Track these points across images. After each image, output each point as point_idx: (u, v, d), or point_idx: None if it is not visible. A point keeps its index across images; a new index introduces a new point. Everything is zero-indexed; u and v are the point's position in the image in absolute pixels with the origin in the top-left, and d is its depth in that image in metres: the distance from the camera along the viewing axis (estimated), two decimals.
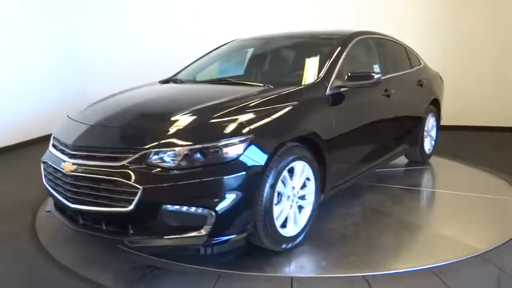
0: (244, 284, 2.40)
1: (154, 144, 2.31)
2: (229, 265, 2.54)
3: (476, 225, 3.18)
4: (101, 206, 2.35)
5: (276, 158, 2.49)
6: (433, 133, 5.02)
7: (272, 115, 2.59)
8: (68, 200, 2.48)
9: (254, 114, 2.53)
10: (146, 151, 2.29)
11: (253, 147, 2.37)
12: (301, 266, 2.58)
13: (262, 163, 2.39)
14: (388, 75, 3.89)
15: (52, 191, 2.66)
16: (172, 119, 2.47)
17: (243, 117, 2.47)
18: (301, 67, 3.39)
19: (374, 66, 3.83)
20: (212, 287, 2.33)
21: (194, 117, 2.49)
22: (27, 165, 3.97)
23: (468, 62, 6.68)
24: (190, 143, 2.30)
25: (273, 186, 2.48)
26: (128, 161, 2.29)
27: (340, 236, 2.98)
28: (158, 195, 2.25)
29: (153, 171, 2.26)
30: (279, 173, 2.51)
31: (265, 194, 2.44)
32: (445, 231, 3.04)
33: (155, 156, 2.28)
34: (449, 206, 3.60)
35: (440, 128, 5.15)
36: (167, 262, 2.58)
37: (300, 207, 2.82)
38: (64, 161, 2.50)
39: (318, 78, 3.09)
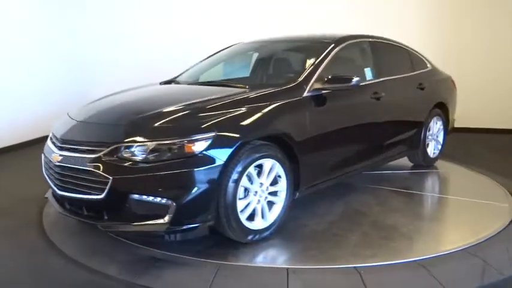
0: (242, 273, 2.56)
1: (125, 139, 2.57)
2: (226, 255, 2.72)
3: (457, 225, 3.21)
4: (81, 194, 2.65)
5: (240, 155, 2.67)
6: (440, 137, 4.97)
7: (238, 115, 2.77)
8: (56, 187, 2.81)
9: (221, 113, 2.73)
10: (118, 145, 2.55)
11: (215, 145, 2.57)
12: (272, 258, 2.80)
13: (224, 159, 2.58)
14: (381, 79, 3.96)
15: (47, 179, 3.00)
16: (145, 116, 2.73)
17: (210, 117, 2.67)
18: (285, 70, 3.55)
19: (365, 69, 3.90)
20: (213, 277, 2.47)
21: (164, 115, 2.72)
22: (32, 163, 4.13)
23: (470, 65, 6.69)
24: (157, 139, 2.54)
25: (236, 181, 2.66)
26: (102, 153, 2.57)
27: (309, 231, 3.12)
28: (126, 186, 2.51)
29: (123, 163, 2.51)
30: (244, 169, 2.70)
31: (228, 188, 2.63)
32: (414, 232, 3.11)
33: (126, 150, 2.53)
34: (433, 208, 3.62)
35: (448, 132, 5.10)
36: (169, 254, 2.73)
37: (271, 203, 2.99)
38: (54, 153, 2.83)
39: (296, 81, 3.23)
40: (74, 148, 2.72)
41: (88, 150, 2.64)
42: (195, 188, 2.51)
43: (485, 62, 6.73)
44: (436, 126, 4.86)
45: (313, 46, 3.71)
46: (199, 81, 3.80)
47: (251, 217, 2.86)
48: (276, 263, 2.72)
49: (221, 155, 2.58)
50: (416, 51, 4.84)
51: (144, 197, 2.49)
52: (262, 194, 2.89)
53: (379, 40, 4.25)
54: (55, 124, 3.23)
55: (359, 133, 3.69)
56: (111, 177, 2.49)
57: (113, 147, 2.55)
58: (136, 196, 2.50)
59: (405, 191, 4.01)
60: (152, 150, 2.51)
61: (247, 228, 2.80)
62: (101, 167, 2.53)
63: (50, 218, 3.44)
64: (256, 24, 6.98)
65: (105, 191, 2.51)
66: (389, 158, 4.26)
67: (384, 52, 4.26)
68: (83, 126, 2.86)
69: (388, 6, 6.82)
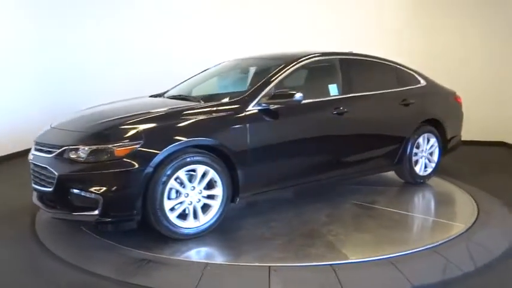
0: (229, 271, 2.82)
1: (73, 142, 3.09)
2: (213, 256, 3.09)
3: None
4: (41, 186, 3.23)
5: (170, 160, 3.06)
6: (434, 155, 4.87)
7: (171, 125, 3.17)
8: (32, 181, 3.42)
9: (156, 123, 3.15)
10: (67, 147, 3.08)
11: (142, 150, 2.98)
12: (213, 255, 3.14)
13: (150, 163, 2.98)
14: (347, 95, 4.08)
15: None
16: (94, 124, 3.22)
17: (143, 126, 3.10)
18: (242, 86, 3.86)
19: (330, 86, 4.06)
20: (200, 275, 2.70)
21: (108, 123, 3.20)
22: (23, 172, 4.22)
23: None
24: (96, 144, 3.02)
25: (164, 183, 3.05)
26: (55, 154, 3.11)
27: (249, 234, 3.41)
28: (67, 181, 3.02)
29: (67, 163, 3.04)
30: (172, 173, 3.07)
31: (156, 189, 3.02)
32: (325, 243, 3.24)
33: (72, 152, 3.05)
34: (385, 222, 3.65)
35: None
36: (159, 256, 2.97)
37: (207, 205, 3.31)
38: (31, 152, 3.45)
39: (241, 96, 3.54)
40: (40, 149, 3.31)
41: (48, 151, 3.21)
42: (120, 187, 2.95)
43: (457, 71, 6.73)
44: (427, 144, 4.78)
45: (274, 63, 3.96)
46: (174, 94, 4.24)
47: (185, 216, 3.22)
48: (263, 261, 2.93)
49: (146, 160, 2.98)
50: (407, 68, 4.84)
51: (80, 191, 2.98)
52: (194, 196, 3.23)
53: (353, 57, 4.37)
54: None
55: (312, 147, 3.86)
56: (57, 174, 3.03)
57: (63, 149, 3.09)
58: (75, 190, 3.00)
59: (368, 205, 4.08)
60: (91, 153, 2.99)
61: (177, 226, 3.16)
62: (52, 165, 3.09)
63: (42, 224, 3.64)
64: (248, 41, 7.27)
65: (53, 185, 3.05)
66: (358, 172, 4.33)
67: (358, 69, 4.36)
68: (52, 131, 3.45)
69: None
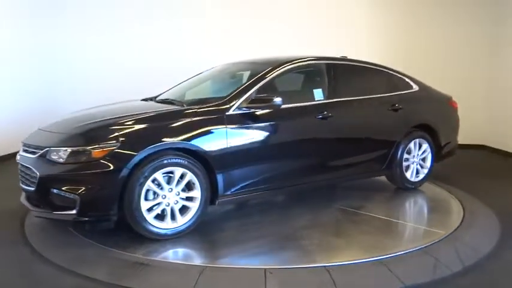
0: (225, 275, 2.83)
1: (55, 144, 3.20)
2: (209, 259, 3.11)
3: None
4: (26, 185, 3.35)
5: (146, 162, 3.14)
6: (427, 161, 4.82)
7: (149, 128, 3.26)
8: (20, 181, 3.55)
9: (134, 126, 3.24)
10: (48, 149, 3.19)
11: (118, 152, 3.07)
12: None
13: (126, 165, 3.07)
14: (333, 100, 4.10)
15: None
16: (76, 126, 3.33)
17: (121, 128, 3.19)
18: (227, 91, 3.90)
19: (315, 90, 4.08)
20: (197, 278, 2.72)
21: (89, 126, 3.30)
22: (10, 176, 4.26)
23: None
24: (75, 146, 3.12)
25: (141, 185, 3.13)
26: (38, 155, 3.23)
27: (224, 235, 3.51)
28: (48, 181, 3.13)
29: (49, 163, 3.15)
30: (149, 175, 3.15)
31: (133, 190, 3.10)
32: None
33: (53, 153, 3.16)
34: (365, 228, 3.65)
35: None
36: (155, 260, 2.99)
37: (186, 207, 3.38)
38: (19, 153, 3.59)
39: (222, 101, 3.60)
40: (26, 150, 3.43)
41: (32, 151, 3.33)
42: (97, 187, 3.05)
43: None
44: (418, 149, 4.75)
45: (261, 68, 4.00)
46: (162, 98, 4.32)
47: (163, 217, 3.29)
48: (256, 264, 3.01)
49: (123, 162, 3.07)
50: (399, 73, 4.82)
51: (59, 191, 3.09)
52: (172, 198, 3.30)
53: (341, 62, 4.39)
54: None
55: (295, 151, 3.89)
56: (38, 174, 3.14)
57: (45, 150, 3.20)
58: (55, 190, 3.10)
59: (351, 209, 4.08)
60: (70, 155, 3.10)
61: (154, 226, 3.23)
62: (35, 165, 3.20)
63: (31, 229, 3.60)
64: (250, 42, 7.28)
65: (35, 184, 3.16)
66: (345, 177, 4.33)
67: (347, 74, 4.37)
68: (38, 133, 3.57)
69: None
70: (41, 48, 7.32)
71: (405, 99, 4.65)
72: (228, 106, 3.56)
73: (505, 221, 3.83)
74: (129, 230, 3.23)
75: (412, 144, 4.68)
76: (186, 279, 2.74)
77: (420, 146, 4.78)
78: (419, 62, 6.95)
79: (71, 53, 7.51)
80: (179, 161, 3.27)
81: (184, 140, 3.31)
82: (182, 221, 3.35)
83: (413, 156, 4.73)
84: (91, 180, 3.05)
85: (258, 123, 3.63)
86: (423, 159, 4.82)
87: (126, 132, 3.18)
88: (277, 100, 3.52)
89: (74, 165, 3.08)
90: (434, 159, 4.87)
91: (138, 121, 3.31)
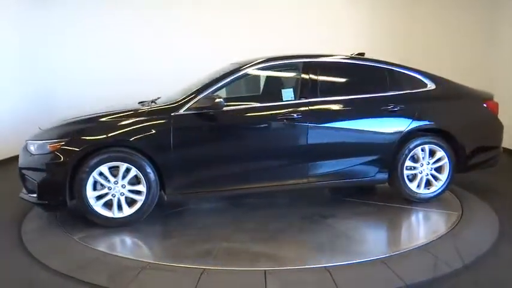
0: (225, 277, 2.86)
1: (34, 137, 3.84)
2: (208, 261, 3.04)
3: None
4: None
5: (93, 156, 3.54)
6: (443, 172, 4.14)
7: (100, 126, 3.65)
8: None
9: (85, 124, 3.70)
10: (29, 141, 3.84)
11: (67, 147, 3.54)
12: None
13: (72, 158, 3.51)
14: (305, 100, 3.86)
15: None
16: (54, 125, 3.90)
17: (75, 126, 3.67)
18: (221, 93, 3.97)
19: (284, 90, 3.92)
20: (196, 281, 2.75)
21: (56, 125, 3.81)
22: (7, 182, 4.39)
23: None
24: (43, 139, 3.70)
25: (87, 176, 3.53)
26: (23, 147, 3.91)
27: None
28: (23, 169, 3.77)
29: (27, 154, 3.79)
30: (93, 167, 3.54)
31: (78, 180, 3.52)
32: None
33: (30, 146, 3.80)
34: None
35: None
36: (155, 263, 3.03)
37: (133, 200, 3.68)
38: None
39: (176, 100, 3.77)
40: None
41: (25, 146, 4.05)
42: (48, 175, 3.56)
43: None
44: (429, 157, 4.11)
45: (233, 69, 4.02)
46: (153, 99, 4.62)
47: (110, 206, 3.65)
48: (256, 266, 2.98)
49: (69, 156, 3.52)
50: (412, 69, 4.22)
51: (29, 177, 3.71)
52: (118, 189, 3.63)
53: (323, 60, 4.09)
54: None
55: (249, 153, 3.81)
56: (20, 162, 3.83)
57: (27, 142, 3.87)
58: (27, 176, 3.74)
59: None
60: (37, 147, 3.69)
61: (99, 214, 3.61)
62: (20, 155, 3.90)
63: (29, 235, 3.63)
64: (254, 43, 6.92)
65: (19, 172, 3.86)
66: (320, 182, 4.00)
67: (330, 73, 4.08)
68: (36, 131, 4.28)
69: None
70: (41, 49, 7.16)
71: (407, 99, 4.08)
72: (179, 107, 3.71)
73: (503, 217, 3.78)
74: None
75: (419, 151, 4.08)
76: (186, 281, 2.77)
77: (433, 154, 4.13)
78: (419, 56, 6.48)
79: (78, 54, 7.34)
80: (124, 156, 3.58)
81: (126, 137, 3.59)
82: (129, 211, 3.66)
83: (422, 164, 4.11)
84: (46, 169, 3.58)
85: (208, 123, 3.71)
86: (438, 169, 4.15)
87: (76, 130, 3.65)
88: (219, 101, 3.55)
89: (38, 156, 3.66)
90: (454, 170, 4.14)
91: (91, 120, 3.74)
